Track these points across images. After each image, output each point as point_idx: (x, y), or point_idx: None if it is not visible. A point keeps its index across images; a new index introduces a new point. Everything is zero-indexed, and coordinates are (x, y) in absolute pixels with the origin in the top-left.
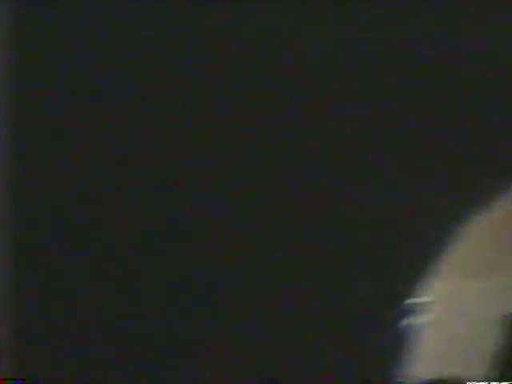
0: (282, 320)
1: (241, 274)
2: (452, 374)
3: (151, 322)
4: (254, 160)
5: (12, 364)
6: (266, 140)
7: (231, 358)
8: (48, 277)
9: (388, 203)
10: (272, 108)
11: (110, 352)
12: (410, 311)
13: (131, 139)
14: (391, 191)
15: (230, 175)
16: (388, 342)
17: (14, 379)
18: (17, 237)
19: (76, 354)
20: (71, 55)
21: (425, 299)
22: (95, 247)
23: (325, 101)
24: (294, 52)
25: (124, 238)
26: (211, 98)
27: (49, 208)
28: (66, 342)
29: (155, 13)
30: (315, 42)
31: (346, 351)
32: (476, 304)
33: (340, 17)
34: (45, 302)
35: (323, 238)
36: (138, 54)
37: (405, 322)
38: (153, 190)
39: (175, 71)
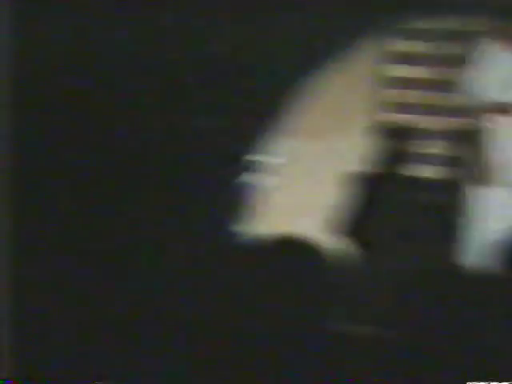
0: None
1: None
2: (295, 231)
3: None
4: None
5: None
6: None
7: None
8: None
9: None
10: None
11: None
12: (252, 168)
13: None
14: None
15: None
16: (229, 197)
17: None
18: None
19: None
20: None
21: (267, 158)
22: None
23: None
24: None
25: None
26: None
27: None
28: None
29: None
30: None
31: None
32: (316, 162)
33: None
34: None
35: None
36: None
37: (246, 178)
38: None
39: None
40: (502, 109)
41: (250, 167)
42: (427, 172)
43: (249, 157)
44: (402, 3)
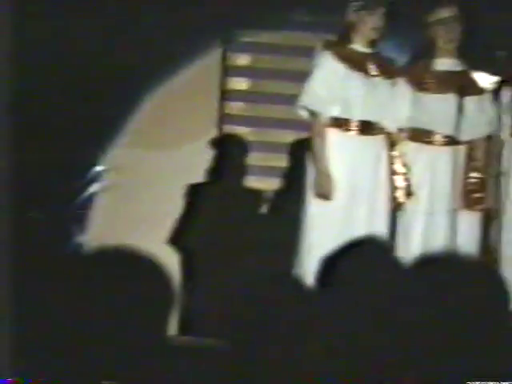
0: None
1: None
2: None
3: None
4: None
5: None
6: None
7: None
8: None
9: None
10: None
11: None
12: (94, 179)
13: None
14: None
15: None
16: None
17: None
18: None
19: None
20: None
21: (109, 168)
22: None
23: None
24: None
25: None
26: None
27: None
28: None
29: None
30: None
31: None
32: (159, 173)
33: None
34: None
35: None
36: None
37: (89, 189)
38: None
39: None
40: (340, 124)
41: (92, 178)
42: (268, 184)
43: (92, 167)
44: (244, 18)
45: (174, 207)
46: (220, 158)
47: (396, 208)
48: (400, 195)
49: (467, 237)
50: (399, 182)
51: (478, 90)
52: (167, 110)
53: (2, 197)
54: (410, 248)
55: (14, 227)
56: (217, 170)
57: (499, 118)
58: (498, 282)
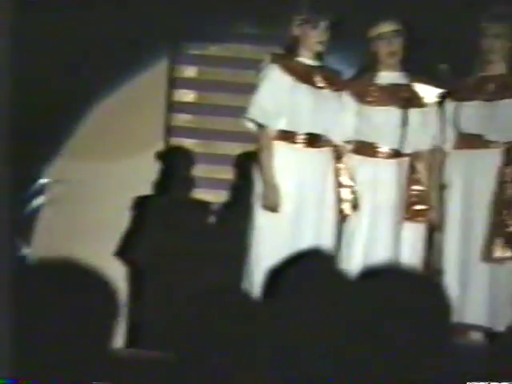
0: None
1: None
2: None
3: None
4: None
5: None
6: None
7: None
8: None
9: None
10: None
11: None
12: (37, 191)
13: None
14: None
15: None
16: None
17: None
18: None
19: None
20: None
21: (52, 179)
22: None
23: None
24: None
25: None
26: None
27: None
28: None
29: None
30: None
31: None
32: (105, 185)
33: None
34: None
35: None
36: None
37: (35, 201)
38: None
39: None
40: (287, 136)
41: (37, 191)
42: (215, 196)
43: (36, 180)
44: (192, 30)
45: (120, 220)
46: (167, 170)
47: (342, 220)
48: (346, 208)
49: (410, 249)
50: (345, 194)
51: (421, 103)
52: (113, 121)
53: None
54: (353, 260)
55: None
56: (164, 183)
57: (442, 131)
58: (439, 294)
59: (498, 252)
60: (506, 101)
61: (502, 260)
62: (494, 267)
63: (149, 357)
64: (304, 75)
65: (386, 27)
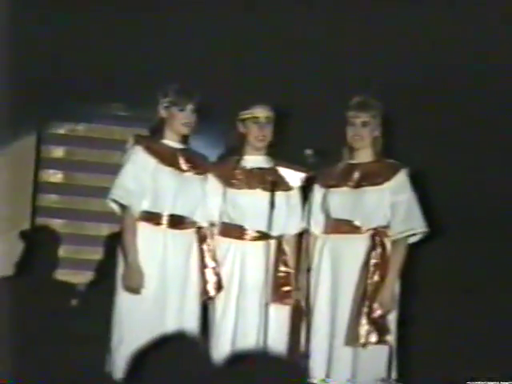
0: None
1: None
2: None
3: None
4: None
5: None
6: None
7: None
8: None
9: None
10: None
11: None
12: None
13: None
14: None
15: None
16: None
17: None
18: None
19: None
20: None
21: None
22: None
23: None
24: None
25: None
26: None
27: None
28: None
29: None
30: None
31: None
32: None
33: None
34: None
35: None
36: None
37: None
38: None
39: None
40: (150, 218)
41: None
42: (80, 277)
43: None
44: (60, 110)
45: None
46: (31, 250)
47: (207, 301)
48: (210, 289)
49: (277, 331)
50: (209, 275)
51: (287, 187)
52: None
53: None
54: (221, 344)
55: None
56: (27, 263)
57: (311, 215)
58: (304, 378)
59: (363, 337)
60: (371, 187)
61: (366, 345)
62: (357, 351)
63: None
64: (168, 158)
65: (260, 112)
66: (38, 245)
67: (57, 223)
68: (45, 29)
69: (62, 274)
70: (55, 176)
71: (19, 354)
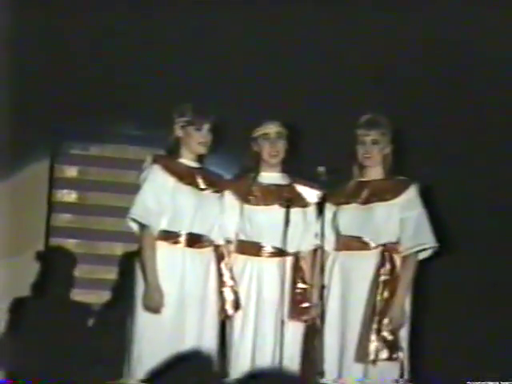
0: None
1: None
2: None
3: None
4: None
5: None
6: None
7: None
8: None
9: None
10: None
11: None
12: None
13: None
14: None
15: None
16: None
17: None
18: None
19: None
20: None
21: None
22: None
23: None
24: None
25: None
26: None
27: None
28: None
29: None
30: None
31: None
32: None
33: None
34: None
35: None
36: None
37: None
38: None
39: None
40: (168, 237)
41: None
42: (96, 297)
43: None
44: (73, 130)
45: None
46: (47, 271)
47: (225, 320)
48: (228, 307)
49: (291, 348)
50: (228, 294)
51: (303, 203)
52: None
53: None
54: (241, 363)
55: None
56: (43, 284)
57: (323, 232)
58: None
59: (372, 353)
60: (380, 203)
61: (375, 361)
62: (368, 367)
63: None
64: (186, 176)
65: (270, 128)
66: (53, 265)
67: (71, 243)
68: (58, 49)
69: (77, 294)
70: (69, 196)
71: (37, 373)
